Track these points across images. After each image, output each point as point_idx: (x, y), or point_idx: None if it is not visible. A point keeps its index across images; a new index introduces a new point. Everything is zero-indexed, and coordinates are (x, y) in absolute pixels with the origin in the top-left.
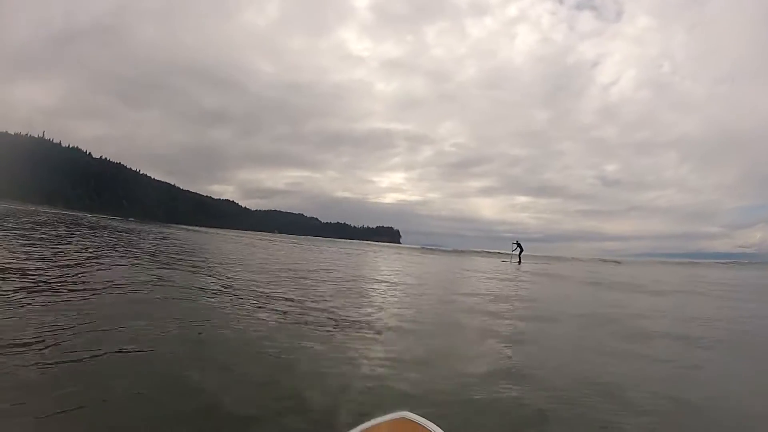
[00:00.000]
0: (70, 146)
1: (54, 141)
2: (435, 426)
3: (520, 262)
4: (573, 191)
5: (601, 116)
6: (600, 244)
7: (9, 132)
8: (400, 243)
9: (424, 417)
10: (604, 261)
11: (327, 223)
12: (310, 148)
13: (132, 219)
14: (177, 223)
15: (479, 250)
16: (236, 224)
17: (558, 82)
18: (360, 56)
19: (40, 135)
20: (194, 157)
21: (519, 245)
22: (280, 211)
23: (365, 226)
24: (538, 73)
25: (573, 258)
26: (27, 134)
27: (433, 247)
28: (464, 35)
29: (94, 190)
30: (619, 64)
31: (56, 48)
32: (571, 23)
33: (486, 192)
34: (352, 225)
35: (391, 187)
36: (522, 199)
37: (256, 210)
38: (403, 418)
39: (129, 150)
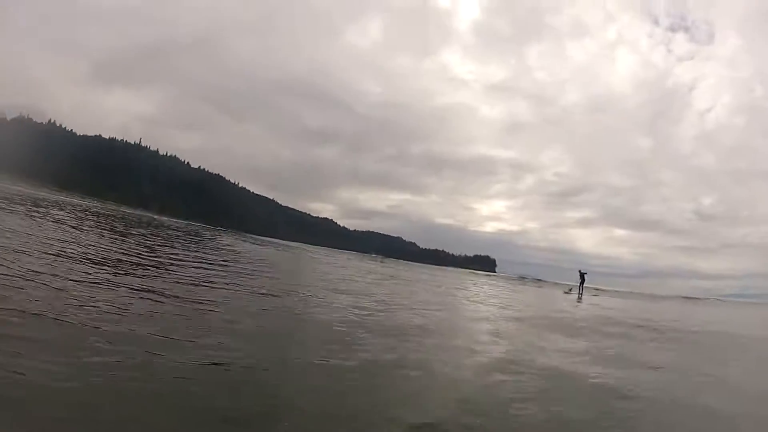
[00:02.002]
0: (168, 154)
1: (151, 148)
2: None
3: (581, 294)
4: (670, 225)
5: (699, 144)
6: (693, 282)
7: (103, 136)
8: (495, 272)
9: None
10: (687, 299)
11: (425, 249)
12: (414, 170)
13: (222, 228)
14: (273, 237)
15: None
16: (334, 243)
17: (658, 107)
18: (463, 79)
19: (137, 142)
20: (295, 174)
21: (582, 276)
22: (378, 233)
23: (463, 254)
24: (639, 97)
25: (655, 295)
26: (123, 140)
27: (527, 277)
28: (565, 57)
29: (192, 198)
30: (714, 88)
31: (153, 59)
32: (668, 45)
33: (584, 223)
34: (450, 253)
35: (491, 215)
36: (620, 232)
37: (354, 230)
38: None
39: (228, 162)
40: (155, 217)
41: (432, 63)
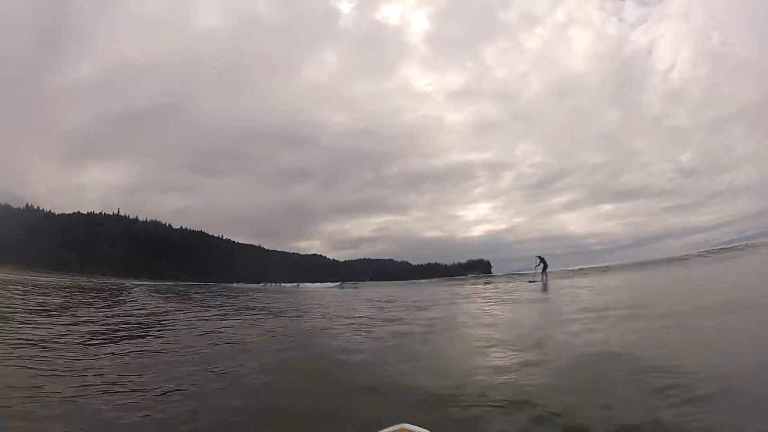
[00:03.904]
0: (148, 220)
1: (130, 216)
2: None
3: (545, 282)
4: (654, 189)
5: (667, 103)
6: (690, 239)
7: (82, 212)
8: (491, 273)
9: (423, 428)
10: (672, 260)
11: (418, 265)
12: (393, 191)
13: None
14: (267, 282)
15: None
16: (327, 277)
17: (620, 77)
18: (425, 91)
19: (115, 212)
20: (278, 216)
21: (543, 261)
22: (369, 259)
23: (456, 262)
24: (600, 72)
25: (643, 263)
26: (102, 212)
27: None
28: (522, 50)
29: (178, 259)
30: (671, 45)
31: (120, 130)
32: (619, 14)
33: (570, 206)
34: (443, 263)
35: (477, 219)
36: (606, 207)
37: (345, 261)
38: (403, 429)
39: (210, 218)
40: (137, 283)
41: (392, 82)
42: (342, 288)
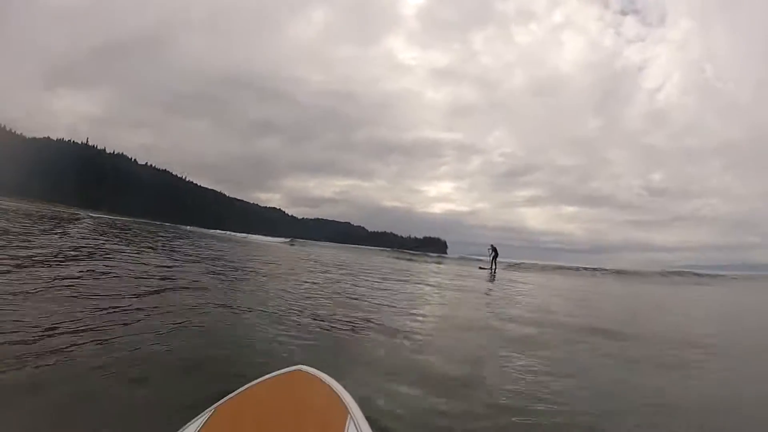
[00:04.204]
0: (115, 152)
1: (98, 147)
2: (329, 377)
3: (494, 272)
4: (620, 201)
5: (649, 123)
6: (647, 255)
7: (51, 138)
8: (446, 254)
9: (318, 370)
10: (622, 273)
11: (374, 232)
12: (359, 156)
13: (169, 224)
14: (223, 230)
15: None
16: (283, 232)
17: (606, 87)
18: (408, 65)
19: (84, 141)
20: (242, 165)
21: (494, 251)
22: (327, 220)
23: (412, 236)
24: (587, 79)
25: (595, 269)
26: (70, 140)
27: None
28: (511, 42)
29: (140, 195)
30: (664, 68)
31: (101, 59)
32: (617, 28)
33: (533, 201)
34: (400, 235)
35: (439, 196)
36: (569, 209)
37: (303, 218)
38: (299, 370)
39: (176, 159)
40: (93, 215)
41: (376, 50)
42: (292, 245)
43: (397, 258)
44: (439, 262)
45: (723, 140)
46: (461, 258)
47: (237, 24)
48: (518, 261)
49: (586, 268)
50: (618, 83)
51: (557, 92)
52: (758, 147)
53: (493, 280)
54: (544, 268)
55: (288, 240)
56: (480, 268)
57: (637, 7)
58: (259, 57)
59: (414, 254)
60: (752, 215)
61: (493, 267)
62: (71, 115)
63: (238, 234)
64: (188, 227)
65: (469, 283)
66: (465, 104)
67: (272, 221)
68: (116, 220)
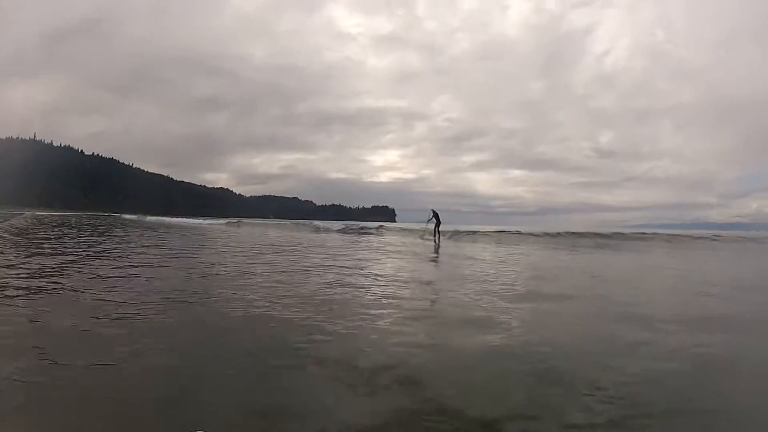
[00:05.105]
0: (62, 145)
1: (45, 141)
2: None
3: (437, 239)
4: (569, 164)
5: (597, 85)
6: (598, 216)
7: (1, 137)
8: (395, 222)
9: None
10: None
11: (322, 205)
12: (303, 129)
13: (116, 214)
14: (172, 216)
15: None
16: (232, 212)
17: (551, 51)
18: (350, 33)
19: (32, 137)
20: (189, 147)
21: (436, 216)
22: (275, 196)
23: (361, 206)
24: (532, 43)
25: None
26: (18, 137)
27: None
28: (456, 7)
29: (90, 187)
30: (612, 32)
31: (48, 47)
32: None
33: (480, 166)
34: (348, 206)
35: (385, 165)
36: (516, 172)
37: (251, 196)
38: None
39: (126, 144)
40: (39, 213)
41: (319, 19)
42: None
43: (342, 232)
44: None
45: (674, 102)
46: (403, 229)
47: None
48: (465, 229)
49: (538, 235)
50: (563, 47)
51: (502, 56)
52: (710, 108)
53: (437, 251)
54: (492, 237)
55: (236, 221)
56: (421, 237)
57: None
58: (200, 33)
59: (362, 228)
60: (705, 176)
61: (436, 237)
62: (24, 108)
63: (183, 220)
64: (133, 216)
65: (408, 264)
66: (409, 71)
67: (222, 202)
68: (54, 215)
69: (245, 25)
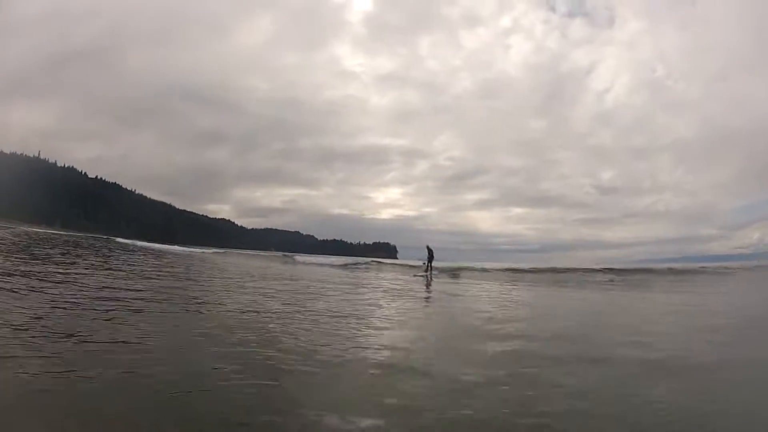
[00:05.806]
0: (65, 166)
1: (49, 161)
2: None
3: (430, 276)
4: (570, 200)
5: (597, 123)
6: (600, 253)
7: (4, 151)
8: (396, 258)
9: None
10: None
11: (323, 240)
12: (306, 165)
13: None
14: (173, 243)
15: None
16: (233, 243)
17: (552, 90)
18: (353, 71)
19: (36, 155)
20: (191, 177)
21: (429, 252)
22: (276, 230)
23: (362, 242)
24: (533, 81)
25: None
26: (22, 154)
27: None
28: (458, 46)
29: (91, 209)
30: (612, 69)
31: (52, 70)
32: (564, 31)
33: (482, 204)
34: (349, 242)
35: (387, 202)
36: (518, 210)
37: (252, 228)
38: None
39: (126, 171)
40: (67, 233)
41: (322, 57)
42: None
43: (342, 268)
44: (378, 270)
45: (673, 137)
46: (395, 265)
47: (184, 33)
48: (458, 265)
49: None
50: (564, 85)
51: (504, 95)
52: (708, 142)
53: (429, 287)
54: (488, 273)
55: (222, 251)
56: (414, 276)
57: (586, 9)
58: (205, 66)
59: (358, 263)
60: (705, 208)
61: (429, 272)
62: (24, 127)
63: (172, 247)
64: (127, 241)
65: (395, 303)
66: (411, 109)
67: (223, 233)
68: (41, 233)
69: (249, 58)
